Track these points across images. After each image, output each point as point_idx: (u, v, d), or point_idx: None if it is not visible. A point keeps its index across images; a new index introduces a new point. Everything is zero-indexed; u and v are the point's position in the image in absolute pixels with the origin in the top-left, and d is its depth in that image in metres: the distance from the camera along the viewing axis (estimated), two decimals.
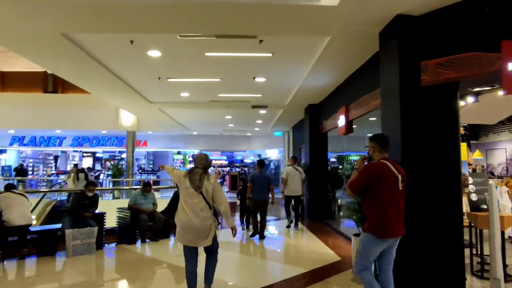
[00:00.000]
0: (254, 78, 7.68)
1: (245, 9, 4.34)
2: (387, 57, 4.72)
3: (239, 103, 10.41)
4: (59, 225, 6.28)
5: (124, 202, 11.63)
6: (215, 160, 24.78)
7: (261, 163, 7.92)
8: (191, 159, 24.26)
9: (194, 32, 5.17)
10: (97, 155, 22.10)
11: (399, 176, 3.23)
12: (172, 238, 7.48)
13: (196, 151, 23.66)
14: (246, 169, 24.19)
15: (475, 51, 3.88)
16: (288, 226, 8.75)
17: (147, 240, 6.98)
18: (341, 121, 7.46)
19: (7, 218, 5.59)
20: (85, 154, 21.44)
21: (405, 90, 4.31)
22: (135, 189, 8.03)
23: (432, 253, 4.09)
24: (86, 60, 6.34)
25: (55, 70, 7.69)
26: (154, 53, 6.05)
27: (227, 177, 20.17)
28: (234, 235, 3.91)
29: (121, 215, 7.10)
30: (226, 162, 25.12)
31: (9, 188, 6.02)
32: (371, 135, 3.62)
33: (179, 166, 23.78)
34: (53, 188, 14.62)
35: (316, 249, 6.60)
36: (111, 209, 7.50)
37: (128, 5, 4.26)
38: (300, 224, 8.75)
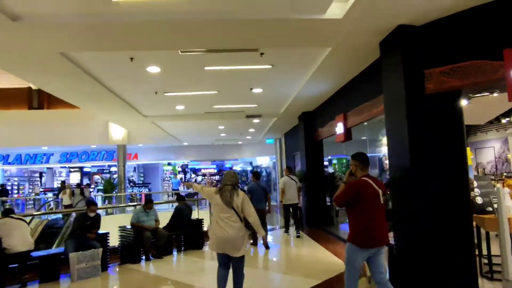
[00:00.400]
0: (251, 89, 7.68)
1: (248, 24, 4.35)
2: (390, 65, 4.80)
3: (234, 114, 10.38)
4: (61, 249, 6.08)
5: (119, 218, 11.42)
6: (204, 169, 24.56)
7: (257, 174, 8.10)
8: (180, 169, 24.02)
9: (196, 47, 5.15)
10: (85, 169, 21.60)
11: (380, 191, 3.49)
12: (175, 254, 7.37)
13: (186, 162, 23.47)
14: None
15: (477, 59, 4.00)
16: (285, 231, 9.19)
17: (151, 257, 6.84)
18: (339, 128, 7.52)
19: (8, 245, 5.35)
20: (72, 169, 20.91)
21: (410, 97, 4.40)
22: (135, 205, 7.87)
23: (443, 256, 4.15)
24: (82, 77, 6.22)
25: (47, 87, 7.45)
26: (154, 69, 6.00)
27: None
28: (265, 244, 4.19)
29: (124, 234, 6.92)
30: (215, 171, 24.83)
31: (7, 213, 5.80)
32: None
33: (169, 176, 23.50)
34: (43, 209, 14.20)
35: (322, 258, 6.58)
36: (106, 225, 7.30)
37: (130, 23, 4.21)
38: (300, 232, 8.79)
